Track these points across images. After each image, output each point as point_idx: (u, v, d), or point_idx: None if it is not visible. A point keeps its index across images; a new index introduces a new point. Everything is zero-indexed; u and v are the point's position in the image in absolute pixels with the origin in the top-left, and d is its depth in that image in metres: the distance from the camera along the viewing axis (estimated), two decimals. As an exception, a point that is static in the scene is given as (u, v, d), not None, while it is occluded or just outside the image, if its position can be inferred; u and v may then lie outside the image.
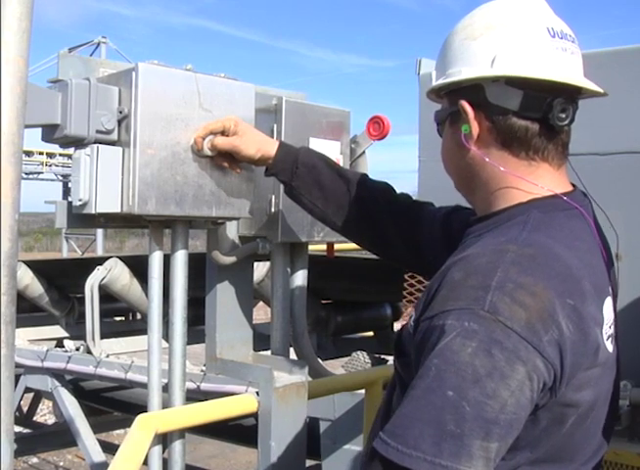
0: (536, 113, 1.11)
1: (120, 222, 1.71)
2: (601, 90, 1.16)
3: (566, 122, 1.12)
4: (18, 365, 3.99)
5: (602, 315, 1.04)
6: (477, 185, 1.18)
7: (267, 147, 1.63)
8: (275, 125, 1.85)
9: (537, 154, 1.13)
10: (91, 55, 18.59)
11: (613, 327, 1.09)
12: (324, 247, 2.38)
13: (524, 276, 0.96)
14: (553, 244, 1.03)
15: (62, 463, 7.79)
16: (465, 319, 0.93)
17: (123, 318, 5.92)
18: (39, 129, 1.59)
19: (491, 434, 0.89)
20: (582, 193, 1.18)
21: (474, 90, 1.14)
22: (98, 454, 4.16)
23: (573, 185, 1.18)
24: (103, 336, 4.26)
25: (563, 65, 1.13)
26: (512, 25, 1.13)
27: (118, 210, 1.56)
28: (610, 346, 1.06)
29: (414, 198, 1.66)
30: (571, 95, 1.14)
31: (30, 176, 28.95)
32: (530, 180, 1.13)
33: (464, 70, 1.15)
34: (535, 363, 0.92)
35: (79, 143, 1.57)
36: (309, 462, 2.61)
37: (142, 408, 1.77)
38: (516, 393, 0.90)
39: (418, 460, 0.88)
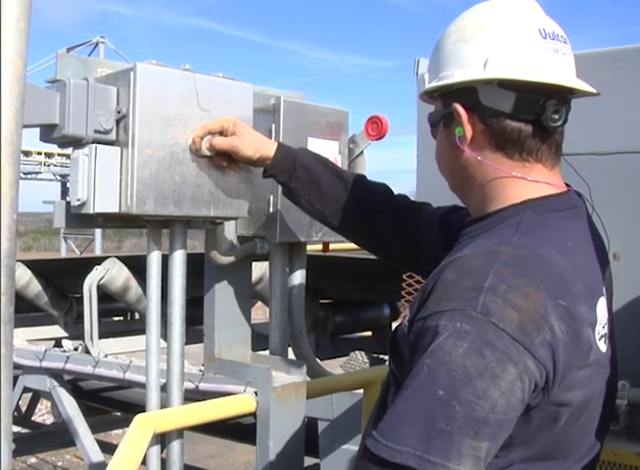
0: (529, 114, 1.11)
1: (119, 222, 1.71)
2: (593, 90, 1.17)
3: (559, 123, 1.12)
4: (16, 365, 3.99)
5: (595, 316, 1.04)
6: (471, 186, 1.18)
7: (266, 148, 1.63)
8: (273, 125, 1.85)
9: (531, 155, 1.13)
10: (89, 55, 18.56)
11: (607, 327, 1.09)
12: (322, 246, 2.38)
13: (516, 278, 0.97)
14: (546, 245, 1.03)
15: (60, 463, 7.78)
16: (457, 320, 0.93)
17: (122, 318, 5.92)
18: (37, 129, 1.59)
19: (481, 433, 0.90)
20: (577, 193, 1.19)
21: (467, 92, 1.14)
22: (96, 454, 4.17)
23: (568, 185, 1.19)
24: (101, 336, 4.27)
25: (555, 66, 1.13)
26: (503, 27, 1.13)
27: (117, 209, 1.56)
28: (603, 346, 1.06)
29: (412, 198, 1.66)
30: (563, 96, 1.14)
31: (29, 176, 28.93)
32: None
33: (456, 73, 1.15)
34: (527, 364, 0.92)
35: (77, 143, 1.57)
36: (308, 462, 2.61)
37: (140, 408, 1.77)
38: (506, 393, 0.91)
39: (407, 455, 0.89)
